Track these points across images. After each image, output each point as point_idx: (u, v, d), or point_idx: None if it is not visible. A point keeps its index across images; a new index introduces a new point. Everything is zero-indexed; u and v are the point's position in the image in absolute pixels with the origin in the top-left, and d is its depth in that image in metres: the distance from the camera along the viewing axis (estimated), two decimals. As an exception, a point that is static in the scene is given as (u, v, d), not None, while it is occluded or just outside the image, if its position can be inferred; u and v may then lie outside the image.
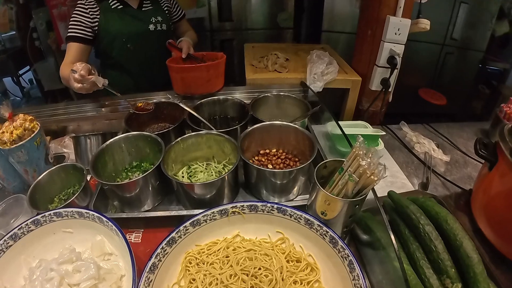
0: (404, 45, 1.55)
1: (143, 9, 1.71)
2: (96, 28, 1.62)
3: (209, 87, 1.58)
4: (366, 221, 0.94)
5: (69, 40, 1.60)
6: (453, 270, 0.81)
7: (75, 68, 1.33)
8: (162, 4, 1.80)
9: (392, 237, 0.79)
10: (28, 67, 3.94)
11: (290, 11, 3.13)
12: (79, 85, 1.35)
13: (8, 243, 0.91)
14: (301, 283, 0.84)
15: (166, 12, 1.82)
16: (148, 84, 1.76)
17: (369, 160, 0.80)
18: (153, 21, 1.72)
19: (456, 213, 1.13)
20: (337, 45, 2.91)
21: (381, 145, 1.37)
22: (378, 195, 0.91)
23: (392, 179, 1.31)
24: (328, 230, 0.85)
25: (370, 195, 0.89)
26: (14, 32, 3.71)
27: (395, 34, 1.52)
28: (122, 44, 1.68)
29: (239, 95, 1.60)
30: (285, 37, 3.25)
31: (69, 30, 1.59)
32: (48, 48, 3.39)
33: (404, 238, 0.93)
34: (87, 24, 1.60)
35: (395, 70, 1.57)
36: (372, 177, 0.80)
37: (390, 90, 1.64)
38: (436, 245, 0.85)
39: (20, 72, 4.00)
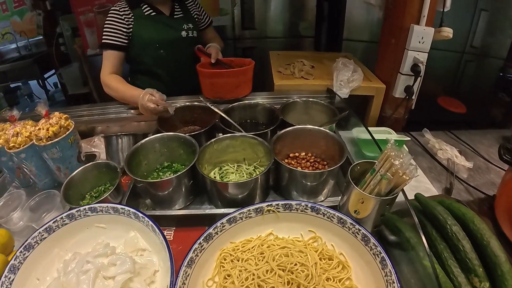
0: (427, 53, 1.56)
1: (174, 16, 1.76)
2: (130, 34, 1.67)
3: (238, 93, 1.62)
4: (394, 222, 0.95)
5: (106, 48, 1.64)
6: (481, 269, 0.81)
7: (152, 93, 1.44)
8: (192, 12, 1.85)
9: (422, 236, 0.80)
10: (53, 71, 4.06)
11: (311, 20, 3.15)
12: (154, 105, 1.43)
13: (42, 235, 0.93)
14: (333, 280, 0.85)
15: (196, 19, 1.87)
16: (177, 89, 1.79)
17: (401, 160, 0.82)
18: (185, 28, 1.76)
19: (480, 218, 1.13)
20: (356, 54, 2.92)
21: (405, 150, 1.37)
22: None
23: (416, 184, 1.31)
24: (360, 228, 0.86)
25: (398, 198, 0.91)
26: (41, 37, 3.86)
27: (419, 42, 1.53)
28: (154, 50, 1.72)
29: (267, 100, 1.62)
30: (305, 46, 3.26)
31: (105, 37, 1.64)
32: (73, 53, 3.49)
33: (431, 239, 0.93)
34: (123, 31, 1.64)
35: (419, 78, 1.58)
36: (404, 176, 0.82)
37: (413, 97, 1.64)
38: (463, 244, 0.85)
39: (45, 75, 4.12)
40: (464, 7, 2.71)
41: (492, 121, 3.15)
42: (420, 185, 1.32)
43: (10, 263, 0.86)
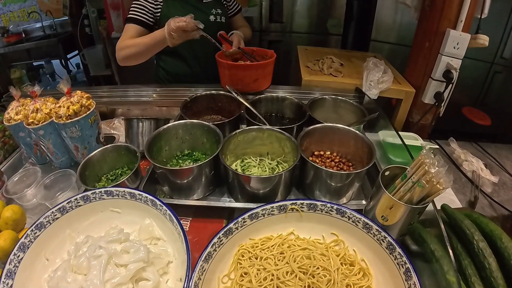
0: (461, 60, 1.52)
1: (203, 0, 1.74)
2: (158, 14, 1.65)
3: (256, 86, 1.58)
4: (419, 232, 0.91)
5: (130, 22, 1.62)
6: None
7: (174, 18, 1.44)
8: None
9: (450, 249, 0.78)
10: (76, 52, 4.12)
11: (340, 17, 3.12)
12: (183, 22, 1.42)
13: (55, 215, 0.91)
14: (353, 287, 0.82)
15: (225, 5, 1.85)
16: (202, 73, 1.76)
17: (437, 168, 0.79)
18: (213, 12, 1.74)
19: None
20: (382, 53, 2.89)
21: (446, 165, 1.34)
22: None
23: (441, 195, 1.26)
24: (386, 235, 0.83)
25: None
26: (67, 18, 3.90)
27: (454, 48, 1.48)
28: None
29: (293, 95, 1.57)
30: (331, 43, 3.24)
31: (131, 12, 1.62)
32: (98, 35, 3.53)
33: (456, 253, 0.89)
34: (150, 10, 1.63)
35: (450, 85, 1.53)
36: (438, 185, 0.79)
37: (442, 104, 1.59)
38: (490, 262, 0.81)
39: (69, 56, 4.19)
40: (497, 16, 2.61)
41: (518, 136, 3.07)
42: (445, 195, 1.26)
43: (20, 241, 0.84)
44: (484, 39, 1.50)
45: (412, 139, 1.42)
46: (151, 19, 1.64)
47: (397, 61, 1.86)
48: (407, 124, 1.76)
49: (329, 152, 1.26)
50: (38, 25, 4.14)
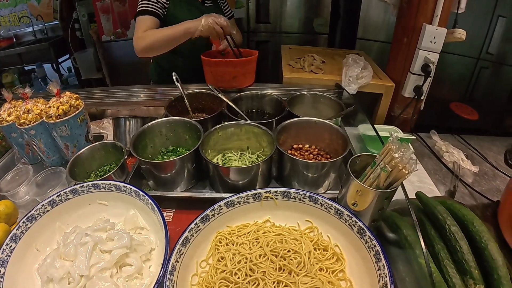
0: (439, 54, 1.55)
1: (205, 4, 1.81)
2: (166, 12, 1.67)
3: (236, 83, 1.62)
4: (394, 219, 0.95)
5: (144, 14, 1.61)
6: (476, 271, 0.81)
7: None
8: (219, 3, 1.90)
9: (419, 234, 0.80)
10: (67, 56, 4.14)
11: (326, 17, 3.16)
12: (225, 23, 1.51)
13: (45, 208, 0.96)
14: (326, 271, 0.86)
15: (223, 9, 1.92)
16: (198, 73, 1.79)
17: (401, 153, 0.82)
18: None
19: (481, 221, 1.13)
20: (371, 53, 2.92)
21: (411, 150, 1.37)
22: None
23: (420, 184, 1.31)
24: (357, 220, 0.87)
25: (400, 196, 0.91)
26: (57, 22, 3.94)
27: (431, 42, 1.52)
28: None
29: (275, 92, 1.62)
30: (319, 42, 3.27)
31: (143, 5, 1.62)
32: (88, 39, 3.56)
33: (429, 238, 0.93)
34: (161, 4, 1.64)
35: (429, 78, 1.57)
36: (403, 170, 0.81)
37: (422, 98, 1.64)
38: (461, 245, 0.85)
39: (60, 60, 4.18)
40: (481, 12, 2.68)
41: (505, 130, 3.11)
42: (424, 186, 1.31)
43: (12, 232, 0.89)
44: (461, 33, 1.53)
45: (392, 131, 1.45)
46: (161, 11, 1.65)
47: (387, 59, 1.90)
48: (389, 118, 1.79)
49: (307, 146, 1.30)
50: (29, 29, 4.16)
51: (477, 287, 0.79)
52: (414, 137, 1.38)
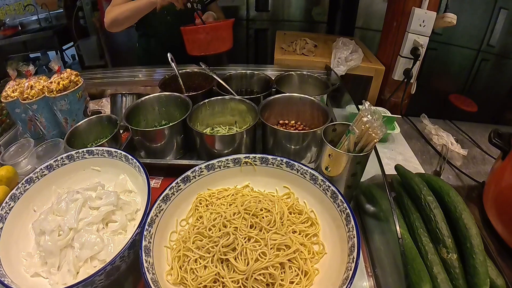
0: (428, 37, 1.58)
1: None
2: None
3: (211, 49, 1.65)
4: (371, 190, 0.98)
5: None
6: (450, 240, 0.83)
7: None
8: None
9: (390, 197, 0.83)
10: (71, 43, 4.24)
11: (325, 6, 3.18)
12: None
13: (43, 172, 1.04)
14: (299, 233, 0.89)
15: None
16: (181, 54, 1.85)
17: (370, 117, 0.86)
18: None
19: (467, 204, 1.10)
20: (370, 43, 2.92)
21: (397, 129, 1.41)
22: (388, 174, 0.97)
23: (405, 163, 1.32)
24: (330, 185, 0.90)
25: (379, 171, 0.94)
26: (62, 10, 4.01)
27: (420, 25, 1.55)
28: (163, 16, 1.80)
29: (265, 72, 1.65)
30: (318, 31, 3.27)
31: None
32: (92, 26, 3.63)
33: (406, 209, 0.96)
34: None
35: (418, 62, 1.61)
36: (373, 134, 0.85)
37: (412, 81, 1.67)
38: (435, 214, 0.87)
39: (64, 47, 4.29)
40: (483, 3, 2.67)
41: (504, 124, 3.10)
42: (409, 164, 1.33)
43: (11, 192, 0.96)
44: (451, 18, 1.55)
45: (381, 112, 1.49)
46: None
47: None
48: (380, 102, 1.84)
49: (293, 121, 1.35)
50: (34, 18, 4.23)
51: (450, 256, 0.81)
52: (399, 116, 1.41)
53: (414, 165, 1.34)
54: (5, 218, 0.91)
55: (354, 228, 0.78)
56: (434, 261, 0.81)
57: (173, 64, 1.47)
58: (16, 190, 0.97)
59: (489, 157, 1.43)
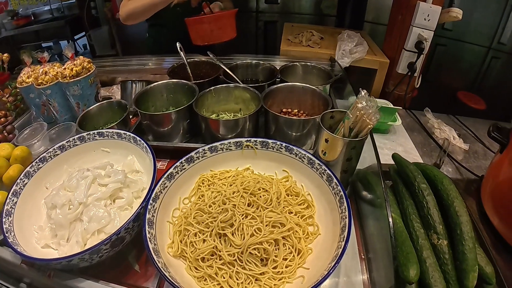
0: (433, 32, 1.59)
1: None
2: None
3: (215, 37, 1.68)
4: (367, 177, 1.02)
5: None
6: (441, 226, 0.84)
7: None
8: None
9: (383, 182, 0.86)
10: (83, 33, 4.31)
11: (335, -1, 3.18)
12: None
13: (56, 152, 1.10)
14: (295, 214, 0.94)
15: None
16: (189, 45, 1.89)
17: (365, 104, 0.89)
18: None
19: (465, 197, 1.14)
20: (381, 38, 2.93)
21: (398, 121, 1.44)
22: (387, 164, 1.01)
23: (405, 154, 1.31)
24: (326, 169, 0.94)
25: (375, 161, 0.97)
26: (74, 0, 4.10)
27: (425, 19, 1.57)
28: (173, 7, 1.81)
29: (272, 63, 1.70)
30: (327, 24, 3.28)
31: None
32: (103, 17, 3.70)
33: (400, 196, 0.98)
34: None
35: (422, 55, 1.62)
36: (367, 120, 0.89)
37: (415, 74, 1.69)
38: (428, 201, 0.89)
39: (76, 37, 4.37)
40: (494, 0, 2.65)
41: (512, 123, 3.07)
42: (409, 156, 1.35)
43: (25, 170, 1.02)
44: (457, 12, 1.56)
45: (383, 104, 1.50)
46: None
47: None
48: (384, 94, 1.85)
49: (296, 110, 1.40)
50: (47, 8, 4.30)
51: (440, 242, 0.83)
52: (400, 108, 1.43)
53: (414, 157, 1.36)
54: (19, 194, 0.98)
55: (347, 210, 0.82)
56: (424, 246, 0.82)
57: (181, 53, 1.52)
58: (30, 168, 1.03)
59: (491, 153, 1.43)
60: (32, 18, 4.23)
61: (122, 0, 1.75)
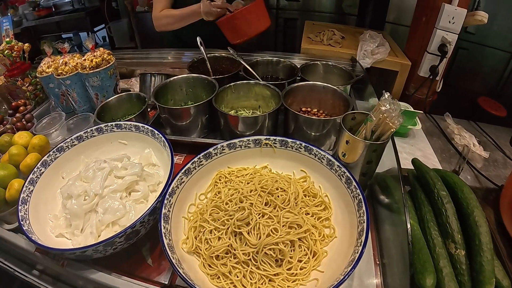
0: (457, 35, 1.55)
1: None
2: None
3: (252, 31, 1.67)
4: (386, 181, 1.00)
5: None
6: (459, 235, 0.83)
7: None
8: None
9: (402, 186, 0.84)
10: (103, 25, 4.36)
11: (356, -2, 3.13)
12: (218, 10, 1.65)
13: (73, 142, 1.11)
14: (312, 216, 0.93)
15: None
16: (210, 39, 1.89)
17: (388, 107, 0.87)
18: None
19: (483, 206, 1.08)
20: (402, 39, 2.89)
21: (418, 125, 1.41)
22: (406, 168, 0.99)
23: (424, 159, 1.28)
24: (345, 171, 0.92)
25: (395, 165, 0.95)
26: (94, -7, 4.07)
27: (449, 22, 1.53)
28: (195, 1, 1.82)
29: (292, 60, 1.67)
30: (348, 24, 3.20)
31: None
32: (123, 9, 3.72)
33: (418, 202, 0.96)
34: None
35: (445, 59, 1.59)
36: (390, 123, 0.87)
37: (437, 78, 1.65)
38: (447, 209, 0.87)
39: (95, 29, 4.43)
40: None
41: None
42: (427, 161, 1.32)
43: (43, 159, 1.03)
44: (482, 16, 1.52)
45: (403, 107, 1.48)
46: None
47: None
48: (404, 97, 1.81)
49: (316, 110, 1.38)
50: (68, -1, 4.35)
51: (458, 251, 0.81)
52: (421, 112, 1.41)
53: (433, 162, 1.33)
54: (36, 182, 0.98)
55: (365, 214, 0.81)
56: (441, 255, 0.81)
57: (201, 48, 1.51)
58: (47, 157, 1.04)
59: (511, 162, 1.39)
60: (53, 9, 4.27)
61: (153, 11, 1.84)
